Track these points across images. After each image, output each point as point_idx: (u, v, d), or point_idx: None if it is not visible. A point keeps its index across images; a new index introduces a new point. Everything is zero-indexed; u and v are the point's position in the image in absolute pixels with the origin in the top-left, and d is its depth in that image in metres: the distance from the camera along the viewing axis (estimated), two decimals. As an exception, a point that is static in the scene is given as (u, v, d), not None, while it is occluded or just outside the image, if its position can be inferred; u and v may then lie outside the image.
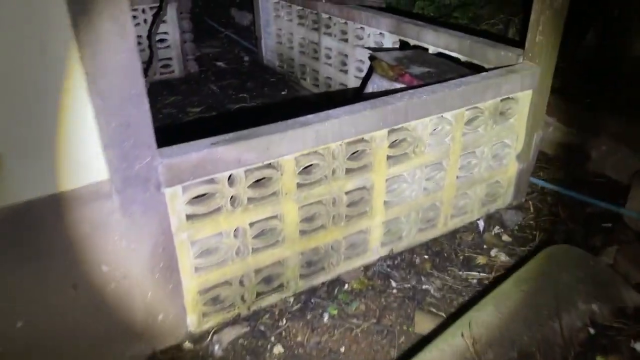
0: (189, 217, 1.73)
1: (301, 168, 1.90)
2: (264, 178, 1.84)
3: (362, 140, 2.01)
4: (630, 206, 2.51)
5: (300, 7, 4.15)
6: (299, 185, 1.93)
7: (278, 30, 4.58)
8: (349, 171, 2.04)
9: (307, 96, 4.25)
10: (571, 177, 2.98)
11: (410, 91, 2.09)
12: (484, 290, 2.16)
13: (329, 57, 3.94)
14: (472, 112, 2.27)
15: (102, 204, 1.54)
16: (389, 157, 2.12)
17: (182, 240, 1.73)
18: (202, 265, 1.83)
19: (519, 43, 2.56)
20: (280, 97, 4.27)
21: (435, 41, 2.85)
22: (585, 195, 2.74)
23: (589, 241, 2.43)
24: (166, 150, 1.63)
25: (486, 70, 2.47)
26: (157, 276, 1.71)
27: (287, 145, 1.81)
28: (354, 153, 2.02)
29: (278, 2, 4.44)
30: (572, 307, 1.52)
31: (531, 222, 2.61)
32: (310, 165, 1.93)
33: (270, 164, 1.82)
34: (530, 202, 2.75)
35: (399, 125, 2.07)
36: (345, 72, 3.77)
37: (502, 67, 2.40)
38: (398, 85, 2.45)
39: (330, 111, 1.91)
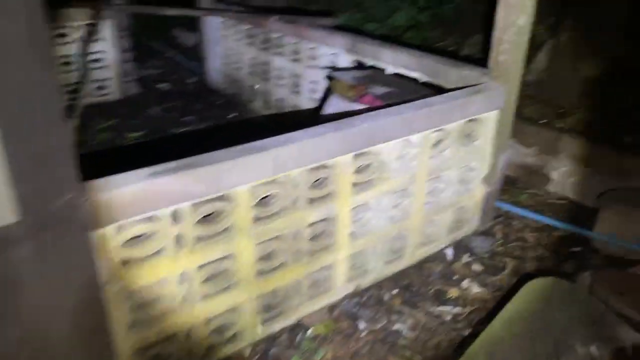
0: (124, 263, 1.44)
1: (257, 199, 1.66)
2: (214, 212, 1.59)
3: (326, 166, 1.80)
4: (598, 229, 2.43)
5: (249, 26, 3.95)
6: (256, 219, 1.69)
7: (225, 50, 4.35)
8: (311, 201, 1.82)
9: (258, 119, 4.02)
10: (534, 200, 2.90)
11: (375, 112, 1.91)
12: (461, 327, 1.99)
13: (280, 78, 3.74)
14: (438, 134, 2.12)
15: (11, 253, 1.23)
16: (354, 184, 1.92)
17: (114, 292, 1.43)
18: (140, 320, 1.53)
19: (478, 63, 2.46)
20: (229, 120, 4.02)
21: (394, 60, 2.72)
22: (550, 218, 2.66)
23: (561, 267, 2.33)
24: (95, 183, 1.35)
25: (449, 90, 2.35)
26: (83, 337, 1.40)
27: (241, 173, 1.57)
28: (316, 181, 1.81)
29: (225, 21, 4.22)
30: (570, 351, 1.35)
31: (500, 248, 2.48)
32: (268, 196, 1.69)
33: (221, 195, 1.57)
34: (497, 227, 2.62)
35: (365, 150, 1.88)
36: (298, 93, 3.58)
37: (466, 87, 2.28)
38: (359, 106, 2.28)
39: (290, 134, 1.70)
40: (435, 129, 2.09)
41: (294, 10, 4.16)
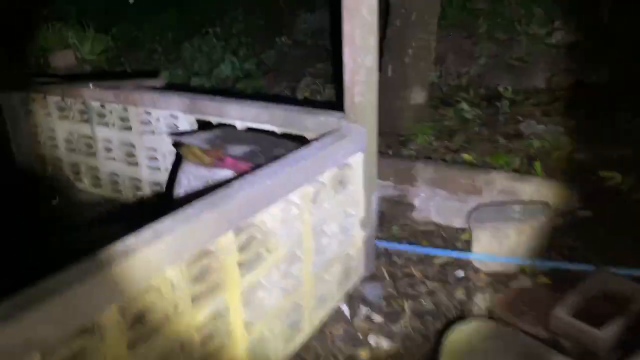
0: None
1: (130, 321, 1.27)
2: (77, 354, 1.15)
3: (206, 252, 1.48)
4: (475, 249, 2.50)
5: (58, 98, 3.38)
6: (132, 346, 1.28)
7: (33, 128, 3.66)
8: (195, 300, 1.48)
9: (91, 203, 3.40)
10: (405, 231, 2.91)
11: (251, 176, 1.67)
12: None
13: (109, 150, 3.25)
14: (315, 187, 1.96)
15: None
16: (240, 265, 1.63)
17: None
18: None
19: (334, 106, 2.40)
20: (51, 210, 3.34)
21: (243, 115, 2.50)
22: (427, 247, 2.67)
23: (454, 296, 2.32)
24: None
25: (312, 139, 2.22)
26: None
27: (103, 294, 1.17)
28: (198, 273, 1.48)
29: (27, 96, 3.56)
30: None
31: (392, 290, 2.39)
32: (142, 310, 1.31)
33: (82, 330, 1.15)
34: (382, 269, 2.54)
35: (246, 222, 1.62)
36: (135, 164, 3.13)
37: (329, 133, 2.17)
38: (222, 172, 2.00)
39: (157, 225, 1.35)
40: (311, 183, 1.92)
41: (111, 74, 3.72)
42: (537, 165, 2.96)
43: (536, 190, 2.75)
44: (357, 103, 2.21)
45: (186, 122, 2.78)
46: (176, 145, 2.32)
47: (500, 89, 4.00)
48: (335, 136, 2.11)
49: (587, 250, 2.45)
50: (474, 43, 4.42)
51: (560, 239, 2.55)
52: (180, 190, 2.08)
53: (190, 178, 2.08)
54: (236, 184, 1.62)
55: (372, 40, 2.10)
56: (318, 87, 4.11)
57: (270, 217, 1.72)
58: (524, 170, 2.95)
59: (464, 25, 4.51)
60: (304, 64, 4.64)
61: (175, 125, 2.83)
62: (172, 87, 3.68)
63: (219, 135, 2.31)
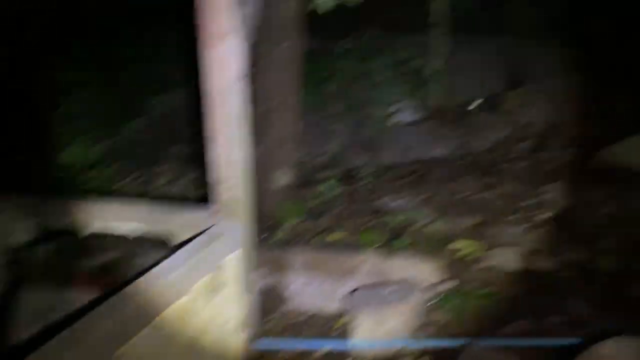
0: None
1: None
2: None
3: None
4: (356, 335, 2.45)
5: None
6: None
7: None
8: None
9: None
10: (282, 323, 2.77)
11: (111, 301, 1.42)
12: None
13: None
14: (187, 300, 1.75)
15: None
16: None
17: None
18: None
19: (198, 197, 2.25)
20: None
21: (98, 215, 2.21)
22: (306, 338, 2.56)
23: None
24: None
25: (181, 241, 2.03)
26: None
27: None
28: None
29: None
30: None
31: (275, 395, 2.22)
32: None
33: None
34: (265, 371, 2.36)
35: (109, 358, 1.35)
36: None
37: (200, 233, 2.00)
38: (74, 292, 1.69)
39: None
40: (184, 296, 1.71)
41: None
42: (401, 241, 3.10)
43: (403, 266, 2.87)
44: (229, 198, 2.09)
45: (26, 229, 2.35)
46: (11, 262, 1.93)
47: (358, 166, 4.22)
48: (208, 237, 1.96)
49: (459, 323, 2.58)
50: (330, 123, 4.67)
51: (433, 314, 2.65)
52: (13, 320, 1.69)
53: (31, 302, 1.71)
54: (95, 312, 1.37)
55: (242, 133, 2.03)
56: (176, 174, 3.92)
57: (135, 348, 1.47)
58: (391, 246, 3.06)
59: (319, 107, 4.75)
60: (159, 147, 4.42)
61: (11, 233, 2.37)
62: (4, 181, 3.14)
63: (68, 243, 1.99)
